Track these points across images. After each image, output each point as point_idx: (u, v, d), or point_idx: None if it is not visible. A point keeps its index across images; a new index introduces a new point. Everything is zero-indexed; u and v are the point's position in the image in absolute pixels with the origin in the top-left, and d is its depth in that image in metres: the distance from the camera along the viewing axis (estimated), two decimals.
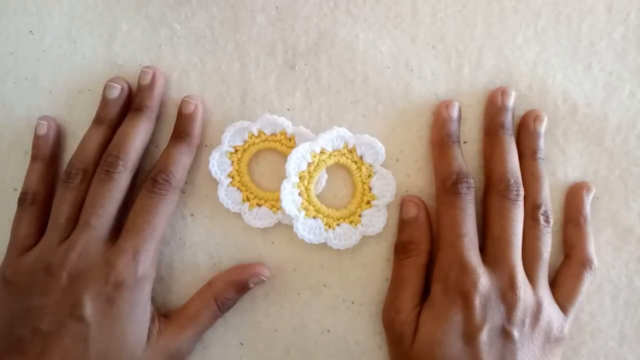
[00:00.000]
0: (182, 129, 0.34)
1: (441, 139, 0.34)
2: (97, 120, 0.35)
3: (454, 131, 0.34)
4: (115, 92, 0.35)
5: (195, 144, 0.35)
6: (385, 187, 0.35)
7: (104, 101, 0.35)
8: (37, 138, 0.35)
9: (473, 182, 0.33)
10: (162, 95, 0.35)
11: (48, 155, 0.35)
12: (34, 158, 0.35)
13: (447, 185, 0.33)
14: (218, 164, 0.35)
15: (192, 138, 0.34)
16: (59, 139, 0.36)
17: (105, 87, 0.35)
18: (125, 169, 0.33)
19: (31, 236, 0.33)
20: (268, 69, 0.36)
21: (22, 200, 0.34)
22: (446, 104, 0.35)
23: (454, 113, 0.34)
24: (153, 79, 0.35)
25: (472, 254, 0.32)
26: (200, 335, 0.34)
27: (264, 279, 0.35)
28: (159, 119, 0.36)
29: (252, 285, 0.35)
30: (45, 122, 0.35)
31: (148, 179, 0.33)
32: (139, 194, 0.33)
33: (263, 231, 0.36)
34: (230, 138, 0.35)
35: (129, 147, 0.33)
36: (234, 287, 0.34)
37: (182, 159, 0.34)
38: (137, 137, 0.34)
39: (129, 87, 0.36)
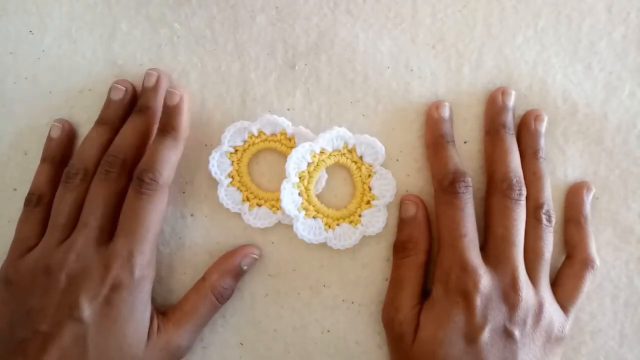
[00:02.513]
0: (166, 122, 0.33)
1: (435, 139, 0.34)
2: (100, 121, 0.35)
3: (447, 131, 0.34)
4: (120, 93, 0.35)
5: (181, 137, 0.33)
6: (385, 187, 0.35)
7: (108, 102, 0.35)
8: (50, 140, 0.35)
9: (471, 180, 0.33)
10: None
11: (58, 158, 0.35)
12: (43, 160, 0.35)
13: (445, 185, 0.33)
14: (218, 164, 0.35)
15: (178, 132, 0.33)
16: (72, 142, 0.36)
17: (110, 89, 0.35)
18: (126, 169, 0.33)
19: (33, 237, 0.33)
20: (268, 69, 0.36)
21: (28, 201, 0.34)
22: (436, 105, 0.35)
23: (445, 113, 0.35)
24: (157, 82, 0.35)
25: (473, 254, 0.32)
26: (200, 330, 0.34)
27: (255, 257, 0.35)
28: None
29: (245, 267, 0.35)
30: (61, 125, 0.35)
31: (134, 178, 0.32)
32: (127, 195, 0.32)
33: (263, 231, 0.36)
34: (230, 138, 0.35)
35: (130, 147, 0.33)
36: (229, 275, 0.34)
37: (169, 155, 0.33)
38: (139, 138, 0.34)
39: (134, 88, 0.36)
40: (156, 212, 0.32)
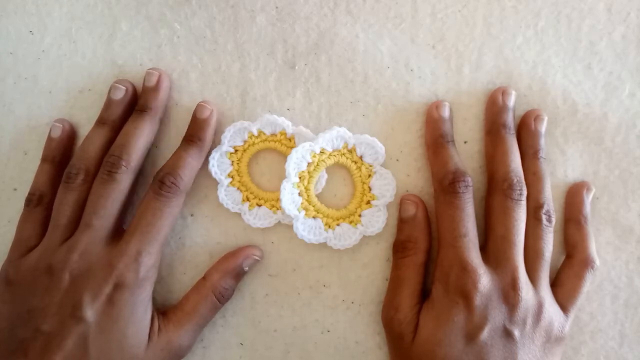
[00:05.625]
0: (194, 133, 0.34)
1: (435, 139, 0.34)
2: (100, 121, 0.35)
3: (447, 131, 0.34)
4: (120, 93, 0.35)
5: (206, 149, 0.34)
6: (385, 187, 0.35)
7: (108, 102, 0.35)
8: (50, 140, 0.35)
9: (471, 180, 0.33)
10: (166, 97, 0.35)
11: (58, 158, 0.35)
12: (44, 160, 0.35)
13: (445, 185, 0.33)
14: (218, 164, 0.35)
15: (204, 143, 0.34)
16: (72, 142, 0.36)
17: (110, 88, 0.35)
18: (128, 169, 0.33)
19: (34, 237, 0.33)
20: (268, 69, 0.36)
21: (28, 201, 0.34)
22: (436, 105, 0.35)
23: (445, 113, 0.35)
24: (158, 81, 0.35)
25: (473, 254, 0.32)
26: (201, 330, 0.35)
27: (257, 258, 0.35)
28: (161, 120, 0.35)
29: (246, 268, 0.35)
30: (61, 125, 0.35)
31: (155, 180, 0.33)
32: (145, 195, 0.33)
33: (263, 231, 0.36)
34: (230, 138, 0.35)
35: (132, 147, 0.33)
36: (230, 275, 0.34)
37: (192, 163, 0.34)
38: (140, 137, 0.34)
39: (134, 88, 0.36)
40: (171, 216, 0.33)
